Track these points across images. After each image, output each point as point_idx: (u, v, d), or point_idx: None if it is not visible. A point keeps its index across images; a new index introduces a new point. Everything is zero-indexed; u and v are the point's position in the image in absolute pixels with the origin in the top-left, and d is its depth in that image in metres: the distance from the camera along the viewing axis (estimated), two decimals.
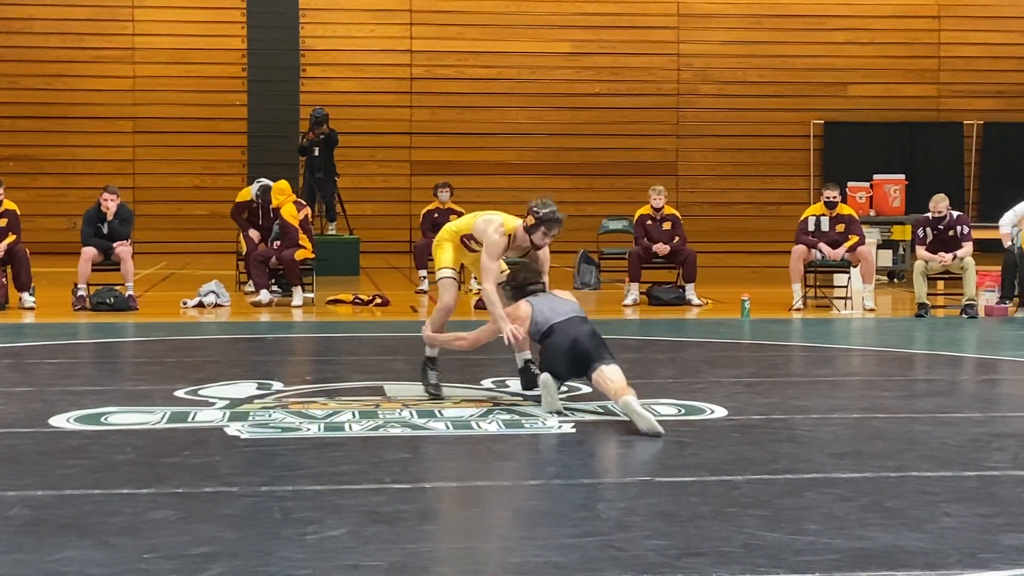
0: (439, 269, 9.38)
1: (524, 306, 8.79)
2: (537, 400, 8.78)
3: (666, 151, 28.96)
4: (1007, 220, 17.07)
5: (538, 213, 8.93)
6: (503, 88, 28.51)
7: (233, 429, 7.82)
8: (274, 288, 16.94)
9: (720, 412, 8.49)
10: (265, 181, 17.91)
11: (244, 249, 17.46)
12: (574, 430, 7.88)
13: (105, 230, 16.12)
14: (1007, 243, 16.70)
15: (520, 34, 28.55)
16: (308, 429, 7.88)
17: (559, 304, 8.75)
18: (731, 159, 29.04)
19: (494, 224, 9.05)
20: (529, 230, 9.00)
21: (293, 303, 16.38)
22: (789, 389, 9.69)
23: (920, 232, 15.94)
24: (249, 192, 18.23)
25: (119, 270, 16.09)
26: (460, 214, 18.92)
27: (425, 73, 28.41)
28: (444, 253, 9.37)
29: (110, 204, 16.12)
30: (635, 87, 28.86)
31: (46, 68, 27.48)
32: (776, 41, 29.05)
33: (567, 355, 8.39)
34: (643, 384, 9.50)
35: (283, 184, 17.19)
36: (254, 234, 17.38)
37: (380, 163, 28.22)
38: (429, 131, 28.35)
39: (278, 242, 16.80)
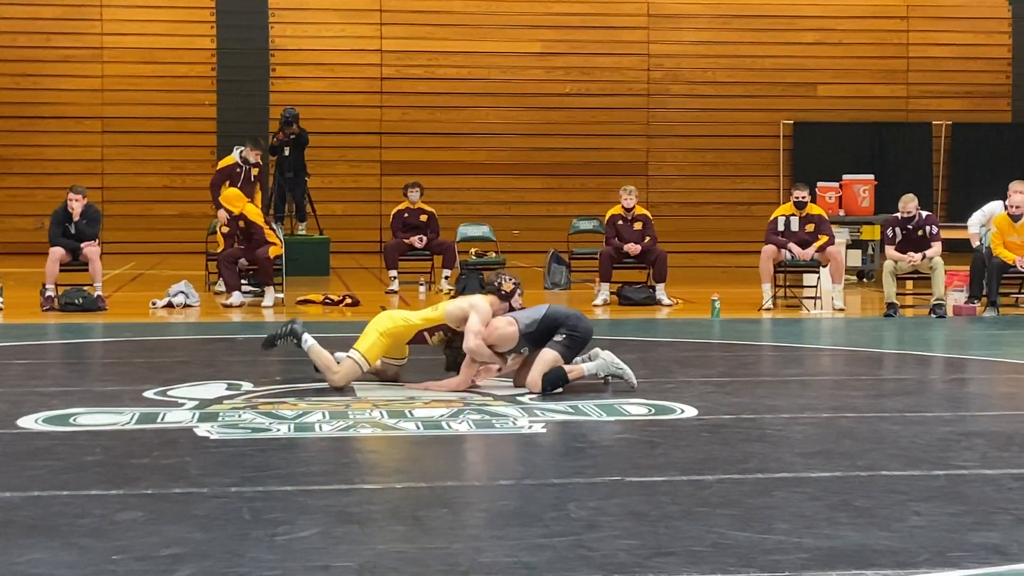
0: (360, 353, 9.55)
1: (508, 324, 9.37)
2: (506, 400, 8.82)
3: (636, 151, 29.01)
4: (976, 220, 17.15)
5: (511, 279, 9.72)
6: (474, 88, 28.51)
7: (203, 430, 7.80)
8: (246, 289, 16.91)
9: (690, 412, 8.50)
10: (244, 149, 17.94)
11: (221, 246, 17.30)
12: (544, 430, 7.88)
13: (72, 230, 16.05)
14: (975, 243, 16.78)
15: (490, 34, 28.56)
16: (278, 430, 7.86)
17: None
18: (701, 159, 29.10)
19: (478, 297, 9.64)
20: (507, 296, 9.66)
21: (264, 303, 16.34)
22: (759, 389, 9.71)
23: (889, 232, 16.00)
24: (232, 158, 18.21)
25: (88, 270, 16.03)
26: (430, 214, 19.00)
27: (395, 73, 28.39)
28: (375, 346, 9.62)
29: (75, 204, 16.02)
30: (605, 87, 28.90)
31: (14, 67, 27.35)
32: (746, 41, 29.12)
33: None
34: (613, 384, 9.52)
35: (235, 191, 17.06)
36: (223, 215, 17.27)
37: (350, 163, 28.19)
38: (399, 131, 28.33)
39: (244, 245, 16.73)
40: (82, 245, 15.96)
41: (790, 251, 16.28)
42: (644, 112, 29.06)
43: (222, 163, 18.71)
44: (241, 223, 16.73)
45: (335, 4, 28.26)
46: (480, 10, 28.54)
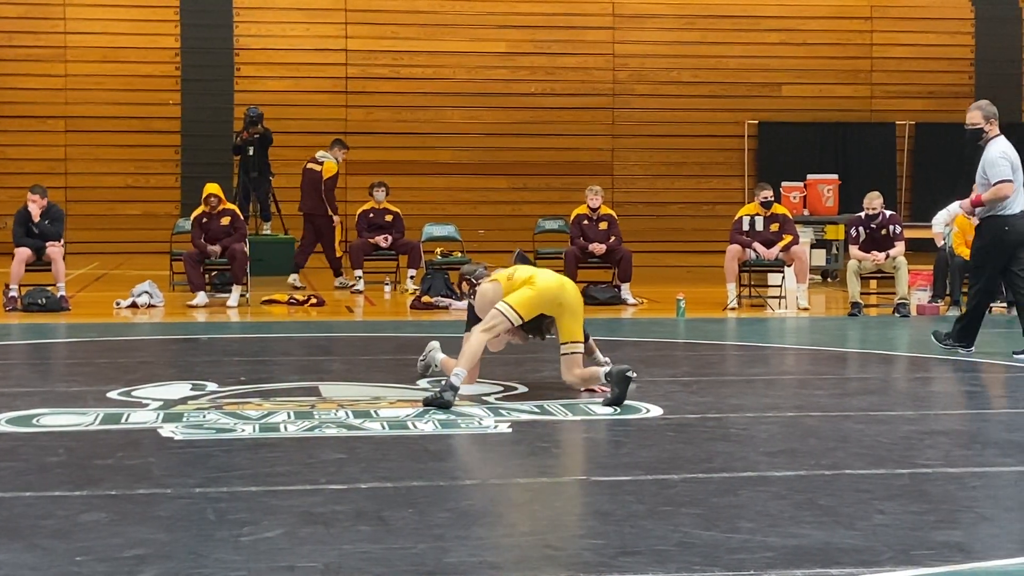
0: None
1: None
2: (471, 399, 8.81)
3: (601, 151, 29.01)
4: (940, 219, 17.23)
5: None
6: (438, 88, 28.46)
7: (167, 430, 7.77)
8: (212, 292, 16.93)
9: (655, 411, 8.52)
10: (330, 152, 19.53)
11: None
12: (510, 430, 7.88)
13: (36, 230, 15.96)
14: (940, 242, 16.86)
15: (455, 34, 28.52)
16: (243, 430, 7.84)
17: None
18: (666, 159, 29.12)
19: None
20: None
21: (229, 303, 16.29)
22: (724, 388, 9.73)
23: (853, 231, 16.07)
24: (335, 165, 19.72)
25: (51, 270, 15.95)
26: (396, 214, 18.98)
27: (360, 73, 28.32)
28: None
29: (32, 206, 15.92)
30: (570, 87, 28.89)
31: None
32: (710, 42, 29.17)
33: None
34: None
35: (215, 187, 17.02)
36: (337, 219, 19.20)
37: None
38: (364, 131, 28.25)
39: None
40: (46, 245, 15.87)
41: (755, 251, 16.33)
42: (609, 112, 29.07)
43: (327, 171, 19.79)
44: (227, 219, 16.70)
45: (300, 4, 28.16)
46: (445, 10, 28.50)
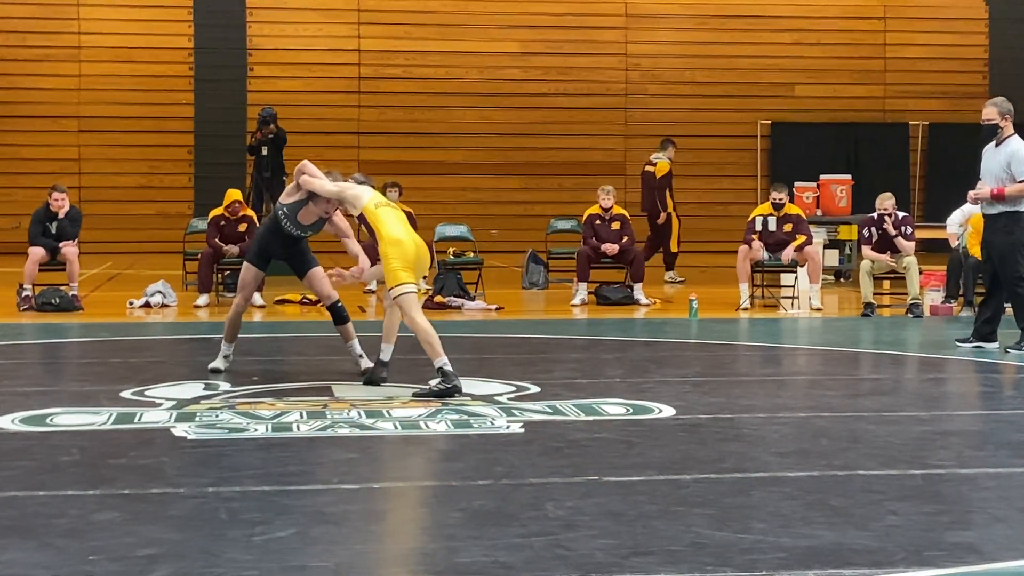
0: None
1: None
2: (484, 399, 8.82)
3: (614, 151, 29.02)
4: (955, 220, 17.20)
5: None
6: (451, 88, 28.49)
7: (180, 430, 7.78)
8: (224, 292, 16.95)
9: (668, 411, 8.51)
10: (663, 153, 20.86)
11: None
12: (522, 430, 7.88)
13: (53, 229, 15.99)
14: (954, 243, 16.83)
15: (468, 34, 28.55)
16: (255, 430, 7.84)
17: None
18: (679, 159, 28.98)
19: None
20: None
21: (256, 303, 16.26)
22: (736, 388, 9.72)
23: (865, 232, 16.05)
24: (667, 163, 20.76)
25: (65, 270, 15.97)
26: (409, 214, 18.93)
27: (373, 73, 28.36)
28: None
29: (62, 203, 16.00)
30: (583, 87, 28.90)
31: None
32: (723, 42, 29.16)
33: None
34: (591, 383, 9.52)
35: (237, 193, 17.04)
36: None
37: (328, 163, 27.92)
38: (377, 131, 28.30)
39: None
40: (60, 245, 15.91)
41: (765, 251, 16.32)
42: (622, 112, 29.08)
43: (660, 171, 20.95)
44: (244, 226, 16.70)
45: (313, 3, 28.21)
46: (458, 10, 28.53)
